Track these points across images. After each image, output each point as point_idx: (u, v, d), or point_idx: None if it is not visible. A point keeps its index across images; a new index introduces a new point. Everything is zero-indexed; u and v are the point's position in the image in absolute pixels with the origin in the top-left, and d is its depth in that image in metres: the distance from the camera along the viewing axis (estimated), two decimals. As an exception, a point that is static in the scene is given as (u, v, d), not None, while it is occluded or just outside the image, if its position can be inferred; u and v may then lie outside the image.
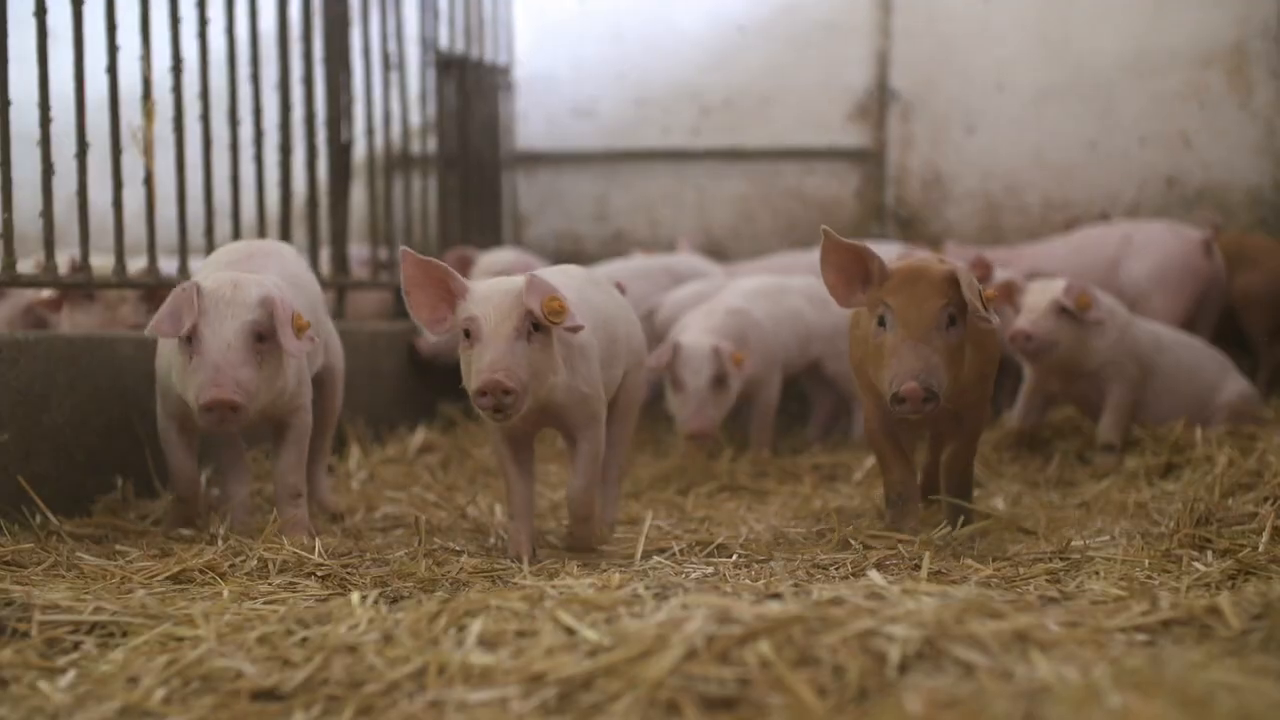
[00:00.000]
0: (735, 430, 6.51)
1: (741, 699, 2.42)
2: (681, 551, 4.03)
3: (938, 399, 3.77)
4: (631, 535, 4.31)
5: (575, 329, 3.72)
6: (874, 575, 3.25)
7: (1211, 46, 8.18)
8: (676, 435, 5.96)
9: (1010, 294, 5.63)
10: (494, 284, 3.75)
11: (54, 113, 4.60)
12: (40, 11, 4.56)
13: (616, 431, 4.39)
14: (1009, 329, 5.49)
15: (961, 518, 4.18)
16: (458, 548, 4.07)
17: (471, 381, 3.64)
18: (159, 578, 3.57)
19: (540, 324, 3.65)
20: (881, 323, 3.88)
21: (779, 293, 6.14)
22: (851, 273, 3.96)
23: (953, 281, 3.85)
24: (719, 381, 5.41)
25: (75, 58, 4.73)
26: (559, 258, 8.27)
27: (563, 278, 4.00)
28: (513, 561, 3.87)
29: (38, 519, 4.14)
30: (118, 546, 3.99)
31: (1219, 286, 6.96)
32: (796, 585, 3.23)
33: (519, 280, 3.71)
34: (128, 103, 4.94)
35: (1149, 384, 5.74)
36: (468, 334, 3.68)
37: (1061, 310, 5.49)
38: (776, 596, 2.92)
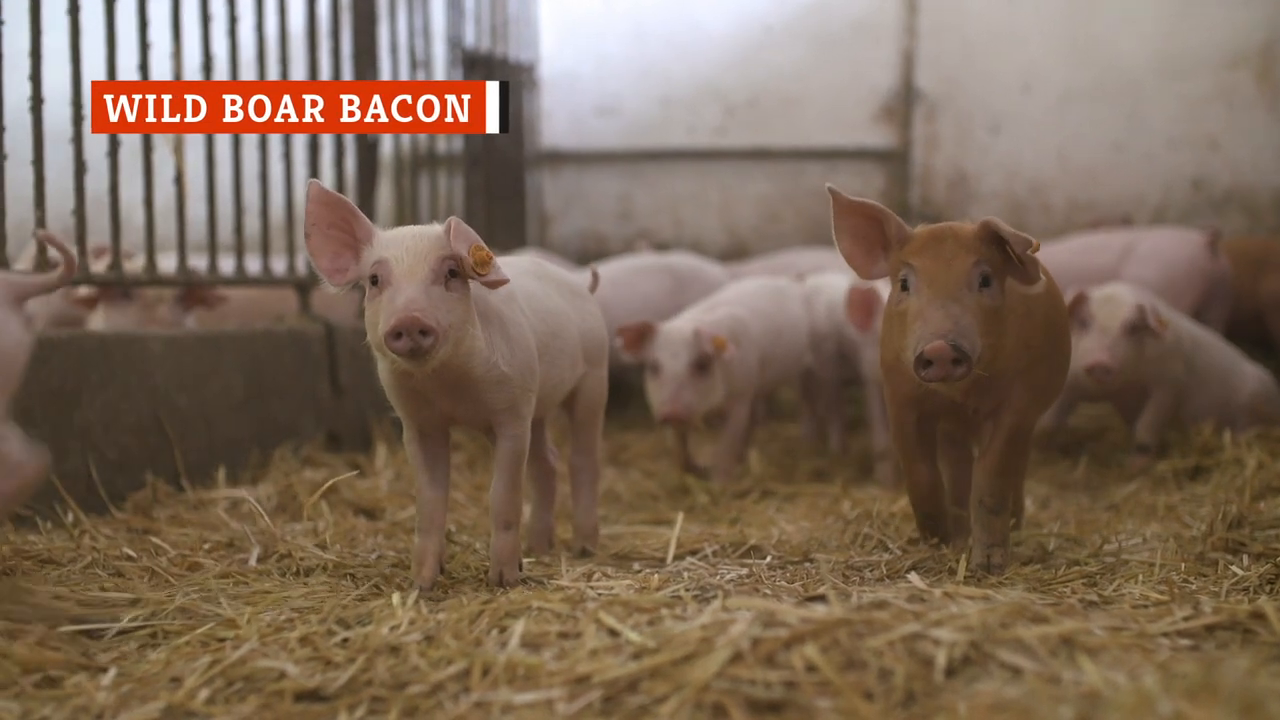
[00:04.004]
0: (756, 432, 6.51)
1: (788, 702, 2.40)
2: (714, 553, 4.01)
3: (969, 361, 3.30)
4: (642, 534, 4.32)
5: (498, 283, 3.34)
6: (914, 578, 3.24)
7: (1240, 48, 8.16)
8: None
9: (1078, 308, 5.37)
10: (405, 229, 3.37)
11: (86, 110, 4.60)
12: (73, 9, 4.57)
13: (583, 437, 4.17)
14: (1083, 356, 5.24)
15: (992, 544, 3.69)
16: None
17: (381, 325, 3.20)
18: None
19: (458, 272, 3.29)
20: (905, 287, 3.46)
21: (780, 299, 5.89)
22: (870, 239, 3.58)
23: (984, 238, 3.43)
24: (700, 367, 5.11)
25: (108, 55, 4.73)
26: (583, 257, 8.28)
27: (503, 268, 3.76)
28: (414, 584, 3.50)
29: (70, 517, 4.14)
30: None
31: (1224, 287, 6.89)
32: (835, 588, 3.21)
33: (434, 226, 3.35)
34: (159, 100, 4.95)
35: (1186, 382, 5.68)
36: (375, 280, 3.27)
37: (1132, 330, 5.35)
38: (819, 599, 2.91)
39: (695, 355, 5.09)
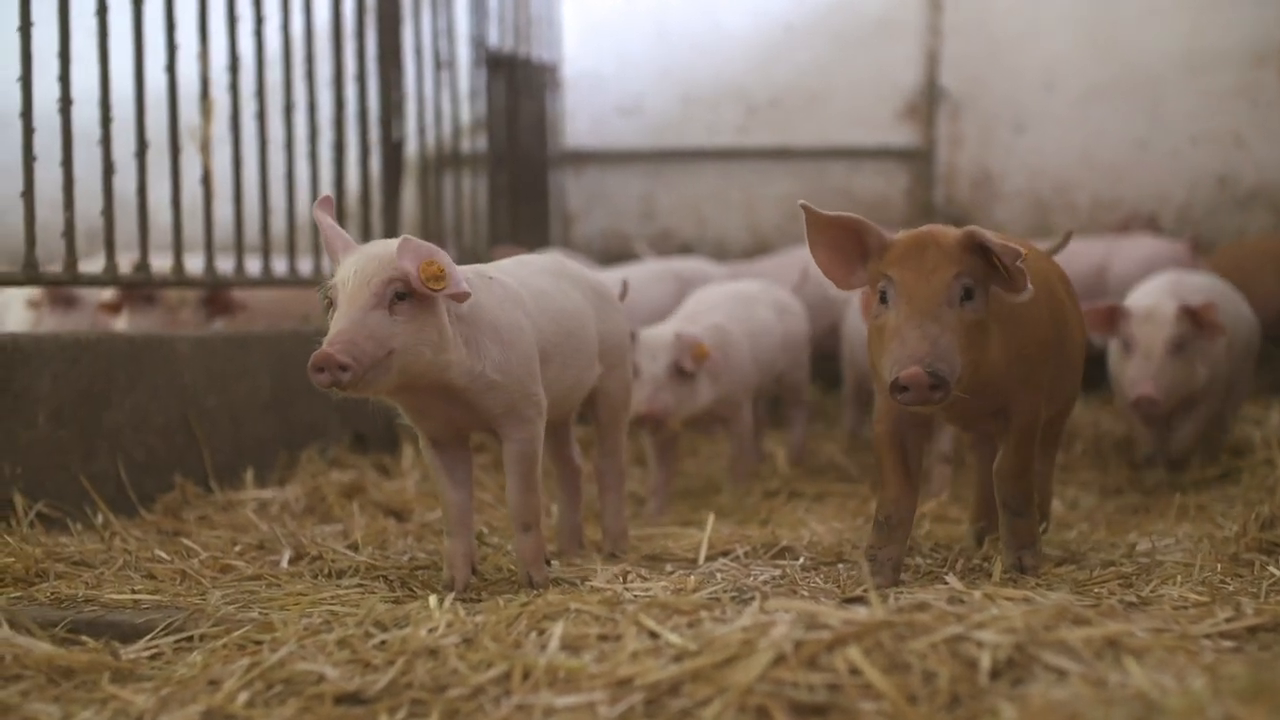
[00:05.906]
0: (782, 434, 6.49)
1: (832, 705, 2.38)
2: (746, 554, 3.98)
3: (947, 387, 3.13)
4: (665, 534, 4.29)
5: (460, 296, 3.25)
6: (952, 580, 3.22)
7: (1264, 44, 8.11)
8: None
9: (1115, 321, 5.09)
10: (367, 247, 3.32)
11: (113, 111, 4.61)
12: (101, 11, 4.58)
13: (608, 439, 4.12)
14: (1129, 387, 5.00)
15: (1024, 548, 3.63)
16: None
17: None
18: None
19: (409, 292, 3.19)
20: (883, 299, 3.28)
21: (750, 305, 5.73)
22: (847, 250, 3.39)
23: (968, 247, 3.25)
24: (680, 371, 4.98)
25: (135, 56, 4.74)
26: (606, 257, 8.27)
27: (515, 265, 3.75)
28: (444, 588, 3.50)
29: (99, 518, 4.14)
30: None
31: None
32: (875, 589, 3.18)
33: (389, 244, 3.28)
34: (186, 101, 4.96)
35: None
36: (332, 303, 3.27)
37: (1178, 347, 4.98)
38: (860, 600, 2.89)
39: (674, 358, 5.00)
